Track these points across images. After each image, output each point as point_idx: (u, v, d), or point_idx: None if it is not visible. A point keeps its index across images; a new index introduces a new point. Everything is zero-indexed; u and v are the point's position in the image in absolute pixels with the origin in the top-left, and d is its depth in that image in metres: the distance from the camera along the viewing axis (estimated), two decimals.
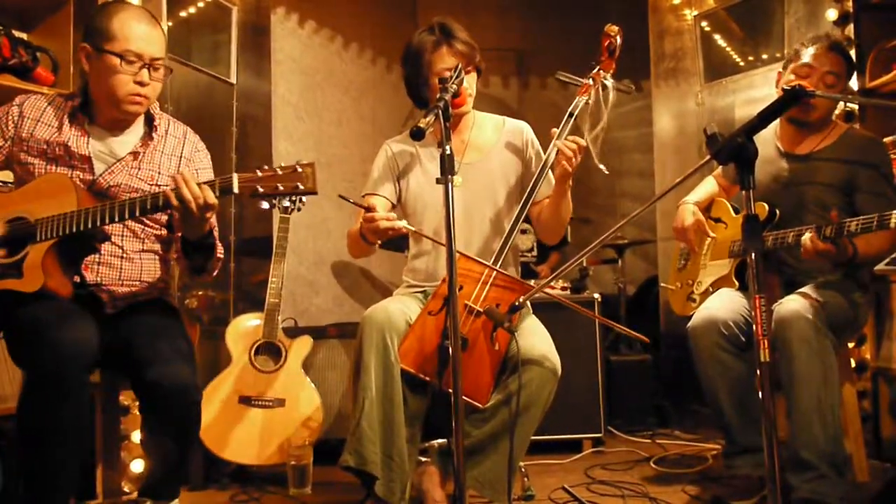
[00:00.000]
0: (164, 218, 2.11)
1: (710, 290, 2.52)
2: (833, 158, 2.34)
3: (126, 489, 2.43)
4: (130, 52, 1.91)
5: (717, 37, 3.97)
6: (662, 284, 3.64)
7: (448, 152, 1.68)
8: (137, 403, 1.97)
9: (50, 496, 1.76)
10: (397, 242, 3.42)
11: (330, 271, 4.01)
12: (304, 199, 2.79)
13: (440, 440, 2.25)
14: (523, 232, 3.69)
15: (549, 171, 2.22)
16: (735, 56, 3.89)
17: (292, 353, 2.76)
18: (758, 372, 1.45)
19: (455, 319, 1.64)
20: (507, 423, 2.00)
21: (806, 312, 2.09)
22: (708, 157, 1.56)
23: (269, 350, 2.74)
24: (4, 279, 1.85)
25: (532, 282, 2.59)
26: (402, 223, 2.04)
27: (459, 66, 2.03)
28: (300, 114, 3.91)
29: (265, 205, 2.84)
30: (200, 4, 3.41)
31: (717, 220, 2.60)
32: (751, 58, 3.80)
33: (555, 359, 2.06)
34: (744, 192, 1.50)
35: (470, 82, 2.26)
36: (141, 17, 1.96)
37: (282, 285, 2.71)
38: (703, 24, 3.99)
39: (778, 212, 2.36)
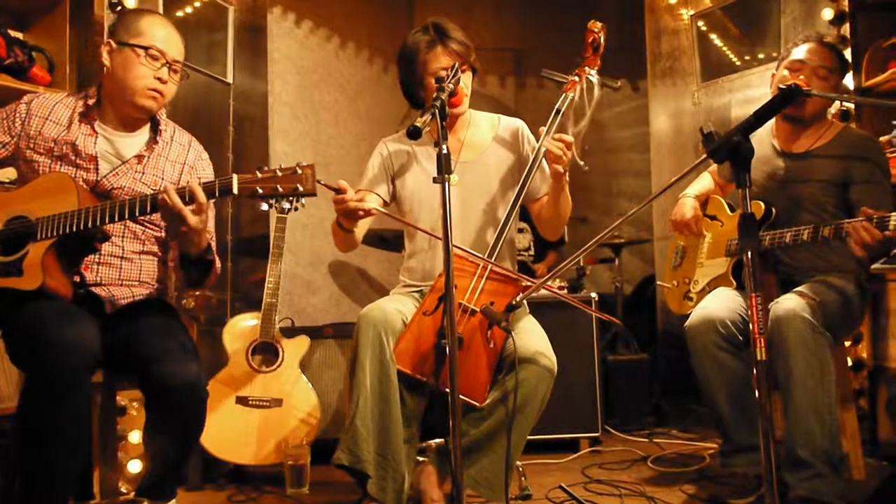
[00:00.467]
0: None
1: (707, 288, 2.52)
2: (829, 156, 2.34)
3: (123, 489, 2.43)
4: (155, 49, 2.01)
5: (713, 36, 3.97)
6: (659, 282, 3.65)
7: (444, 152, 1.68)
8: (136, 404, 1.97)
9: (49, 496, 1.76)
10: (394, 242, 3.43)
11: (327, 271, 4.02)
12: (303, 200, 2.79)
13: (437, 440, 2.25)
14: (520, 231, 3.69)
15: (545, 167, 2.22)
16: (731, 56, 3.90)
17: (289, 353, 2.76)
18: (754, 371, 1.46)
19: (452, 318, 1.64)
20: (504, 422, 2.00)
21: (802, 311, 2.09)
22: (704, 155, 1.56)
23: (266, 350, 2.75)
24: (4, 277, 1.86)
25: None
26: (373, 204, 2.03)
27: (456, 65, 2.03)
28: (297, 113, 3.90)
29: (264, 206, 2.84)
30: (197, 4, 3.41)
31: (713, 218, 2.60)
32: (747, 57, 3.81)
33: (551, 357, 2.06)
34: (740, 190, 1.50)
35: (465, 81, 2.26)
36: (166, 23, 2.09)
37: (279, 285, 2.71)
38: (700, 23, 3.99)
39: (774, 210, 2.36)
